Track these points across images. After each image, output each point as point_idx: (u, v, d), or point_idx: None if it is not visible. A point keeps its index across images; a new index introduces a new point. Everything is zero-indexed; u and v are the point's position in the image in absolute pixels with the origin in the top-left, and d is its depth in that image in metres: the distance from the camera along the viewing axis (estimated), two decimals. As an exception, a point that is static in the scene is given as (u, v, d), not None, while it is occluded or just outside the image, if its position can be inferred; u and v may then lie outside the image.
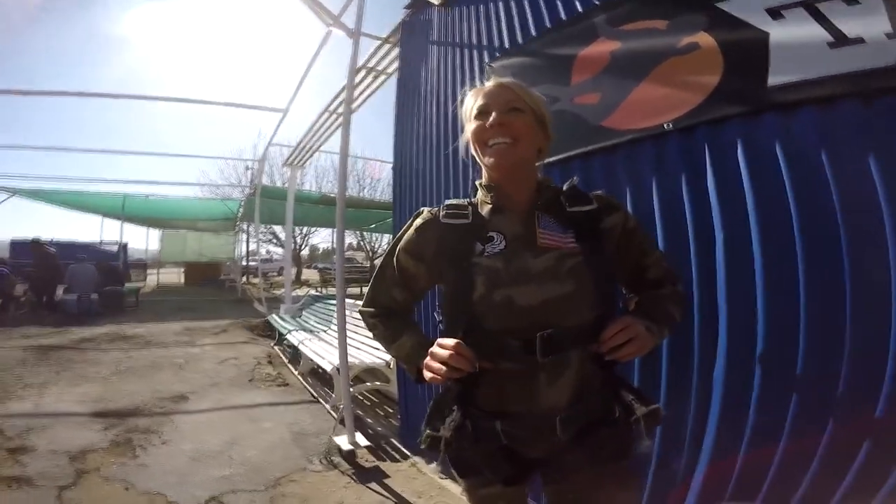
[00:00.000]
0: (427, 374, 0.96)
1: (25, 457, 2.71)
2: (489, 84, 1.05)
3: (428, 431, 0.98)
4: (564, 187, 1.06)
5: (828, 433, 1.21)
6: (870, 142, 1.15)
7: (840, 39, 1.20)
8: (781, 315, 1.29)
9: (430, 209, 1.10)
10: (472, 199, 1.09)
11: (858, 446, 1.15)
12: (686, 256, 1.48)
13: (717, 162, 1.42)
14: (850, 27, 1.18)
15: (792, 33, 1.28)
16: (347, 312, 3.31)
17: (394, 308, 1.16)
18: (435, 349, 0.95)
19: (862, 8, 1.17)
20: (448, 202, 1.09)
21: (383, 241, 24.63)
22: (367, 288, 1.20)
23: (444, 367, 0.90)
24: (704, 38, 1.44)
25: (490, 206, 1.04)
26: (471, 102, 1.05)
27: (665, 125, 1.52)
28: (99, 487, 2.42)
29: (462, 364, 0.89)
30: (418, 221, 1.09)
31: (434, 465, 2.56)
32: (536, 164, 1.08)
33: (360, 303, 4.11)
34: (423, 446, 0.98)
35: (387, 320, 1.15)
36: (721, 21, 1.42)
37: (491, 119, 0.97)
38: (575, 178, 1.08)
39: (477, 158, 1.05)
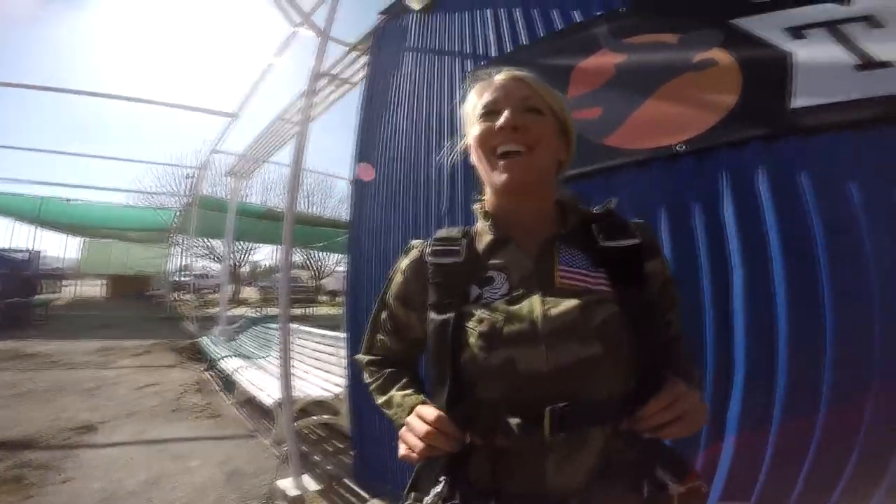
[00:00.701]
0: (401, 449, 0.75)
1: None
2: (500, 77, 0.82)
3: (409, 501, 0.77)
4: (596, 210, 0.84)
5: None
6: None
7: (867, 63, 1.15)
8: (805, 371, 1.16)
9: (420, 243, 0.89)
10: (470, 229, 0.87)
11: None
12: (700, 296, 1.34)
13: (736, 189, 1.30)
14: (876, 50, 1.14)
15: (814, 54, 1.22)
16: (291, 338, 2.99)
17: (390, 358, 0.94)
18: (412, 420, 0.76)
19: (885, 32, 1.15)
20: (437, 234, 0.87)
21: (330, 261, 23.99)
22: (366, 333, 0.98)
23: (419, 444, 0.72)
24: (721, 55, 1.36)
25: (491, 237, 0.82)
26: (474, 99, 0.83)
27: (676, 147, 1.40)
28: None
29: (442, 444, 0.71)
30: (405, 262, 0.88)
31: None
32: (556, 180, 0.85)
33: (305, 328, 3.82)
34: None
35: (379, 371, 0.92)
36: (738, 38, 1.35)
37: (502, 119, 0.76)
38: (613, 199, 0.86)
39: (480, 171, 0.82)
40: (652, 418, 0.68)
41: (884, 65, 1.13)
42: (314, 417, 3.56)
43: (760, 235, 1.24)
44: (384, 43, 3.03)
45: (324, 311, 16.23)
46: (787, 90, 1.23)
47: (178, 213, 13.65)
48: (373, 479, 2.61)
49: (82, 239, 18.22)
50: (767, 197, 1.24)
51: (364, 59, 3.42)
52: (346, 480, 2.83)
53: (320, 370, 3.94)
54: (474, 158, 0.83)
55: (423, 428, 0.72)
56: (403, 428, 0.77)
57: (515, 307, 0.73)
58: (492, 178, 0.78)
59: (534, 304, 0.72)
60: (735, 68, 1.32)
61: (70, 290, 16.96)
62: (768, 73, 1.27)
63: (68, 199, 11.93)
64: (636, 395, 0.70)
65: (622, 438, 0.72)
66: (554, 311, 0.71)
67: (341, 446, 3.48)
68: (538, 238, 0.80)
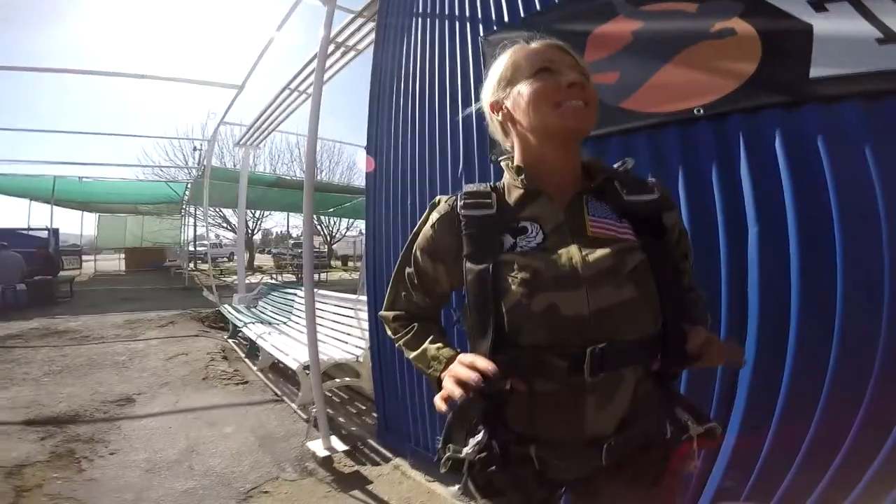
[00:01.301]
0: (439, 402, 0.76)
1: (-49, 474, 2.33)
2: (537, 44, 0.86)
3: (449, 454, 0.82)
4: (617, 167, 0.90)
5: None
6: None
7: (889, 36, 1.14)
8: (816, 317, 1.22)
9: (447, 199, 0.93)
10: (497, 184, 0.92)
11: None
12: (716, 249, 1.40)
13: (752, 152, 1.33)
14: None
15: (837, 27, 1.22)
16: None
17: (416, 313, 0.99)
18: (456, 368, 0.77)
19: None
20: (466, 189, 0.91)
21: (342, 226, 24.11)
22: (388, 288, 1.02)
23: (462, 392, 0.72)
24: (741, 25, 1.35)
25: (521, 190, 0.86)
26: (511, 60, 0.87)
27: (695, 110, 1.41)
28: (46, 508, 2.11)
29: (488, 390, 0.73)
30: (434, 216, 0.92)
31: (454, 488, 2.41)
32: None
33: (322, 292, 3.89)
34: (442, 469, 0.83)
35: (408, 326, 0.97)
36: (759, 9, 1.34)
37: (573, 76, 0.79)
38: (629, 159, 0.91)
39: (534, 123, 0.82)
40: (699, 348, 0.75)
41: None
42: (337, 380, 3.70)
43: (776, 195, 1.28)
44: (392, 9, 2.97)
45: (337, 275, 16.50)
46: (807, 60, 1.24)
47: (188, 185, 13.72)
48: (396, 439, 2.74)
49: (97, 215, 18.44)
50: (784, 160, 1.27)
51: (370, 26, 3.35)
52: (370, 441, 2.96)
53: (341, 333, 4.03)
54: (521, 113, 0.84)
55: (468, 374, 0.73)
56: (446, 378, 0.78)
57: (553, 255, 0.78)
58: (556, 123, 0.80)
59: (572, 252, 0.78)
60: (755, 38, 1.32)
61: (89, 266, 17.29)
62: (788, 44, 1.27)
63: (81, 178, 12.04)
64: (662, 337, 0.77)
65: (650, 380, 0.80)
66: (592, 258, 0.76)
67: (364, 408, 3.61)
68: (567, 192, 0.85)
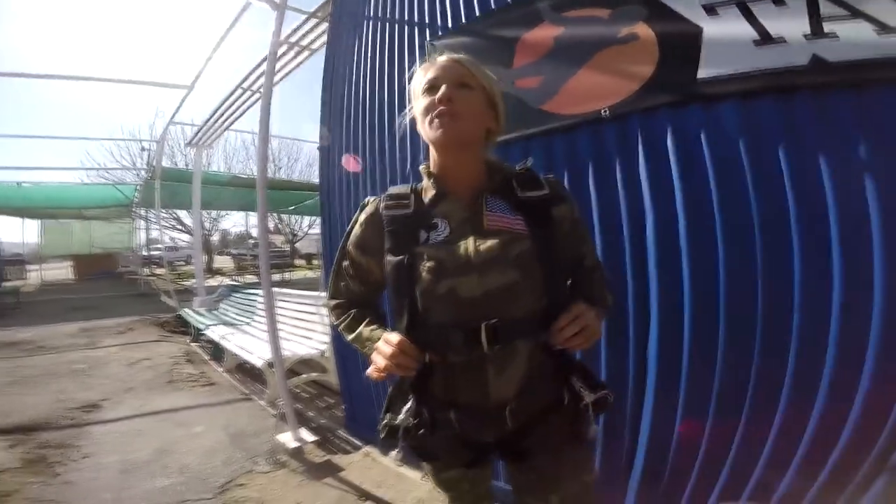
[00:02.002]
0: (371, 371, 0.93)
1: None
2: (441, 59, 0.99)
3: (385, 420, 0.98)
4: (517, 168, 1.03)
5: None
6: (785, 135, 1.30)
7: (765, 38, 1.31)
8: (705, 289, 1.44)
9: (374, 199, 1.07)
10: (417, 186, 1.05)
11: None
12: (619, 237, 1.60)
13: (648, 148, 1.53)
14: (774, 27, 1.30)
15: (724, 30, 1.39)
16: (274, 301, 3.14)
17: (354, 300, 1.12)
18: (380, 345, 0.93)
19: (787, 9, 1.29)
20: (389, 191, 1.05)
21: (303, 224, 23.68)
22: (329, 281, 1.16)
23: (388, 364, 0.89)
24: (643, 30, 1.52)
25: (434, 191, 1.00)
26: (420, 77, 1.00)
27: (602, 111, 1.59)
28: (28, 511, 2.14)
29: (405, 362, 0.89)
30: (362, 216, 1.06)
31: (393, 453, 2.56)
32: (486, 145, 1.04)
33: (285, 290, 3.95)
34: (381, 435, 0.98)
35: (346, 312, 1.11)
36: (660, 13, 1.50)
37: (440, 93, 0.92)
38: (530, 159, 1.06)
39: (423, 135, 0.99)
40: (562, 332, 0.87)
41: (777, 40, 1.29)
42: (304, 375, 3.77)
43: (667, 186, 1.49)
44: (344, 10, 3.04)
45: (301, 274, 16.28)
46: (696, 62, 1.41)
47: (138, 188, 13.19)
48: (363, 428, 2.84)
49: (40, 221, 17.47)
50: (673, 156, 1.47)
51: (324, 27, 3.40)
52: (340, 431, 3.07)
53: (304, 330, 4.10)
54: (419, 125, 1.00)
55: (388, 350, 0.89)
56: (373, 353, 0.94)
57: (454, 246, 0.92)
58: (430, 136, 0.95)
59: (468, 244, 0.92)
60: (654, 42, 1.49)
61: (35, 276, 16.42)
62: (682, 47, 1.44)
63: (19, 183, 11.39)
64: (548, 313, 0.91)
65: (543, 352, 0.94)
66: (483, 247, 0.92)
67: (332, 402, 3.70)
68: (471, 192, 0.99)
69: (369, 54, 2.74)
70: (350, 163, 2.81)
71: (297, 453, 2.71)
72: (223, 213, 21.45)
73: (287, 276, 14.66)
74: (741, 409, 1.40)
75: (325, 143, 3.11)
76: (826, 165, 1.24)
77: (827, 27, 1.22)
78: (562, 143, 1.74)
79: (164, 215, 16.57)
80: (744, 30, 1.34)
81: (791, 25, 1.26)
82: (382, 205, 1.02)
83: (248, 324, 5.13)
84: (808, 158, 1.27)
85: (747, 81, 1.34)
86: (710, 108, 1.41)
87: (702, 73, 1.40)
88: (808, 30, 1.23)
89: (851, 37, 1.19)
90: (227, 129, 6.67)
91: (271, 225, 22.65)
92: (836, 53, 1.20)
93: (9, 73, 5.35)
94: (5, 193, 11.52)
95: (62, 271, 17.54)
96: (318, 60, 3.41)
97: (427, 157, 1.05)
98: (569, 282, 1.06)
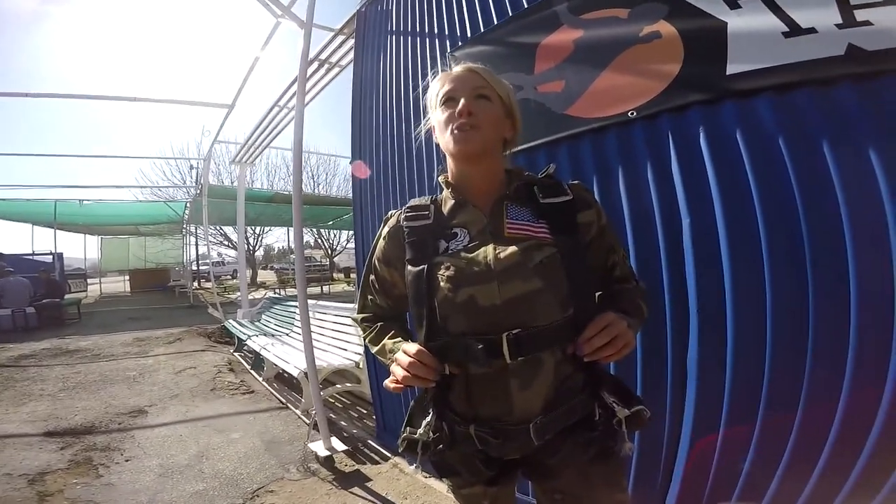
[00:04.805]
0: (388, 382, 0.92)
1: (-23, 482, 2.49)
2: (458, 69, 0.99)
3: (405, 434, 0.96)
4: (539, 175, 1.02)
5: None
6: (827, 127, 1.22)
7: (794, 29, 1.25)
8: (747, 295, 1.34)
9: (396, 212, 1.07)
10: (437, 197, 1.05)
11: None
12: (654, 242, 1.52)
13: (680, 148, 1.46)
14: (803, 17, 1.24)
15: (749, 23, 1.33)
16: (311, 313, 3.21)
17: (381, 314, 1.13)
18: (399, 356, 0.91)
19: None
20: (409, 203, 1.05)
21: (342, 238, 24.26)
22: (357, 295, 1.17)
23: (406, 374, 0.87)
24: (665, 27, 1.47)
25: (452, 200, 0.99)
26: (437, 88, 0.99)
27: (629, 113, 1.54)
28: (66, 510, 2.26)
29: (423, 373, 0.86)
30: (385, 229, 1.06)
31: (411, 468, 2.54)
32: (504, 154, 1.04)
33: (323, 303, 4.04)
34: (400, 449, 0.96)
35: (372, 326, 1.11)
36: (680, 10, 1.45)
37: (460, 106, 0.91)
38: (552, 165, 1.04)
39: (442, 146, 0.99)
40: (589, 342, 0.84)
41: (808, 31, 1.22)
42: (338, 386, 3.83)
43: (703, 187, 1.41)
44: (367, 27, 3.12)
45: (340, 287, 16.64)
46: (724, 57, 1.35)
47: (188, 204, 13.91)
48: (394, 439, 2.82)
49: (99, 237, 18.70)
50: (708, 155, 1.39)
51: (350, 43, 3.51)
52: (370, 441, 3.09)
53: (340, 341, 4.17)
54: (437, 136, 1.01)
55: (406, 360, 0.88)
56: (392, 364, 0.93)
57: (473, 254, 0.90)
58: (450, 148, 0.95)
59: (488, 251, 0.90)
60: (677, 39, 1.44)
61: (95, 288, 17.53)
62: (707, 43, 1.38)
63: (81, 201, 12.26)
64: (575, 323, 0.87)
65: (570, 364, 0.89)
66: (503, 255, 0.88)
67: (364, 412, 3.75)
68: (490, 200, 0.98)
69: (392, 69, 2.79)
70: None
71: (328, 462, 2.73)
72: (266, 229, 22.34)
73: (326, 289, 15.00)
74: (792, 418, 1.29)
75: (356, 158, 3.18)
76: (878, 162, 1.14)
77: (859, 15, 1.14)
78: (589, 147, 1.69)
79: (212, 231, 17.41)
80: (771, 22, 1.28)
81: (820, 15, 1.19)
82: (403, 217, 1.02)
83: (286, 334, 5.28)
84: (856, 153, 1.17)
85: (782, 74, 1.27)
86: (743, 105, 1.34)
87: (731, 69, 1.34)
88: (839, 19, 1.16)
89: (886, 25, 1.11)
90: (266, 146, 6.94)
91: (311, 240, 23.34)
92: (873, 42, 1.13)
93: (69, 94, 5.75)
94: (68, 210, 12.42)
95: (119, 284, 18.67)
96: (350, 76, 3.51)
97: (445, 168, 1.05)
98: (598, 293, 1.01)
